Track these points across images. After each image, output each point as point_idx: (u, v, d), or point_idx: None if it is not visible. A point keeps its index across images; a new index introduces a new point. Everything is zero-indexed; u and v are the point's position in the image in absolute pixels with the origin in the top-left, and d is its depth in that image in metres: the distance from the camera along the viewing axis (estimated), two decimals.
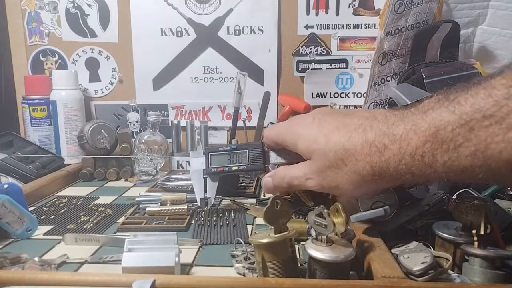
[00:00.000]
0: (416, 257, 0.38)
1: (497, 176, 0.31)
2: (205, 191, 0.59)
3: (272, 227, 0.38)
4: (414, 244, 0.42)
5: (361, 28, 0.93)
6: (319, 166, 0.42)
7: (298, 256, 0.45)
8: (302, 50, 0.95)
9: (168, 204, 0.61)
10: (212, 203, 0.58)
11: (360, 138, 0.38)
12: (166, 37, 0.96)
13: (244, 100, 0.85)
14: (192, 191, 0.70)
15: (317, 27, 0.94)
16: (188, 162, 0.88)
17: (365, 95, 0.92)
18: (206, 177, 0.58)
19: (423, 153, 0.33)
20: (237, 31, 0.95)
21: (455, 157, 0.31)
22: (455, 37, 0.81)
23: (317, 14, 0.93)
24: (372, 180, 0.38)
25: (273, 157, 0.53)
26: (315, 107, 0.93)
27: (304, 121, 0.45)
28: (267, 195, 0.71)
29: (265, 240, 0.36)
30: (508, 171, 0.30)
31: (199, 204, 0.57)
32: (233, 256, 0.46)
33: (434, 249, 0.43)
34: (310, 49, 0.95)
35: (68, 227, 0.56)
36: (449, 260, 0.39)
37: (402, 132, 0.35)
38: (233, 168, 0.54)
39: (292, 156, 0.49)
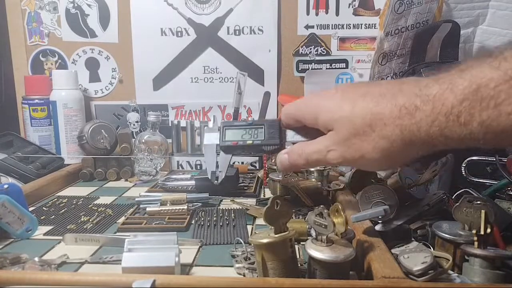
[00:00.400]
0: (416, 257, 0.38)
1: None
2: (217, 166, 0.56)
3: (272, 227, 0.38)
4: (414, 244, 0.42)
5: (361, 28, 0.93)
6: (344, 135, 0.39)
7: (298, 256, 0.45)
8: (302, 50, 0.95)
9: (168, 204, 0.61)
10: (223, 177, 0.56)
11: (389, 102, 0.36)
12: (166, 37, 0.96)
13: (244, 100, 0.85)
14: (192, 191, 0.70)
15: (317, 27, 0.94)
16: (188, 162, 0.88)
17: None
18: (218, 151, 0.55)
19: (459, 112, 0.31)
20: (237, 31, 0.95)
21: (495, 116, 0.30)
22: (455, 37, 0.81)
23: (317, 14, 0.93)
24: (402, 146, 0.35)
25: (290, 136, 0.49)
26: None
27: (326, 93, 0.43)
28: (267, 195, 0.71)
29: (265, 240, 0.36)
30: None
31: (209, 177, 0.55)
32: (233, 256, 0.46)
33: (434, 249, 0.43)
34: (310, 49, 0.95)
35: (68, 227, 0.56)
36: (449, 260, 0.39)
37: (437, 92, 0.33)
38: (248, 142, 0.51)
39: (311, 134, 0.45)
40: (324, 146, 0.41)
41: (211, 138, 0.56)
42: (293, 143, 0.48)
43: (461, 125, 0.31)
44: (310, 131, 0.46)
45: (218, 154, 0.54)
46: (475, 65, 0.31)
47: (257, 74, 0.97)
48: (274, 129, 0.49)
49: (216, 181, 0.55)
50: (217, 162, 0.55)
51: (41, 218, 0.59)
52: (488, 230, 0.38)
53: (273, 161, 0.78)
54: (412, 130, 0.34)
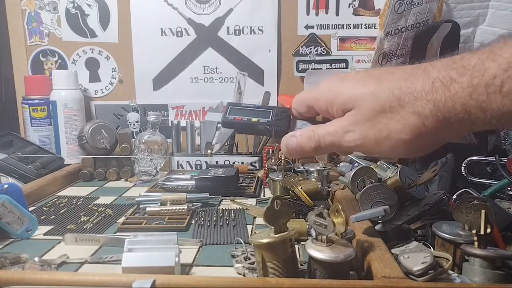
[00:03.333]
0: (416, 257, 0.38)
1: None
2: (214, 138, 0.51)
3: (272, 227, 0.38)
4: (414, 244, 0.42)
5: (361, 28, 0.93)
6: (366, 113, 0.34)
7: (298, 256, 0.45)
8: (302, 50, 0.95)
9: (168, 204, 0.61)
10: (218, 149, 0.51)
11: (419, 76, 0.32)
12: (166, 37, 0.96)
13: (244, 100, 0.85)
14: (192, 191, 0.70)
15: (317, 27, 0.94)
16: (188, 162, 0.88)
17: None
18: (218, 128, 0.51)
19: (502, 82, 0.28)
20: (237, 31, 0.95)
21: None
22: (455, 37, 0.81)
23: (317, 14, 0.93)
24: (435, 124, 0.31)
25: (300, 125, 0.45)
26: None
27: (345, 76, 0.38)
28: (267, 195, 0.71)
29: (265, 240, 0.36)
30: None
31: (203, 148, 0.51)
32: (233, 256, 0.46)
33: (434, 249, 0.43)
34: (310, 49, 0.95)
35: (68, 227, 0.56)
36: (449, 260, 0.39)
37: (476, 62, 0.29)
38: (253, 119, 0.46)
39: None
40: (340, 127, 0.36)
41: (213, 116, 0.52)
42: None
43: (504, 96, 0.28)
44: (321, 123, 0.41)
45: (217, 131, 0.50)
46: None
47: (257, 74, 0.97)
48: (283, 115, 0.46)
49: (209, 151, 0.51)
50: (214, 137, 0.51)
51: (41, 218, 0.59)
52: (488, 230, 0.38)
53: (273, 160, 0.78)
54: (447, 104, 0.30)
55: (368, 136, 0.35)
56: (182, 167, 0.88)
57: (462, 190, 0.55)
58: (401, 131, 0.33)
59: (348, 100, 0.36)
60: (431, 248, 0.43)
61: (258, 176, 0.80)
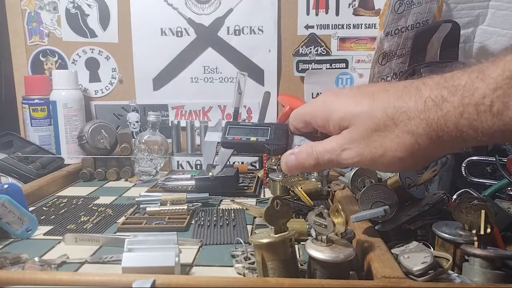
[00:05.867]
0: (416, 257, 0.38)
1: None
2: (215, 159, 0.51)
3: (272, 227, 0.38)
4: (414, 244, 0.42)
5: (361, 28, 0.93)
6: (362, 131, 0.35)
7: (298, 256, 0.45)
8: (302, 50, 0.95)
9: (168, 204, 0.61)
10: (220, 171, 0.51)
11: (412, 95, 0.33)
12: (166, 37, 0.96)
13: (244, 100, 0.85)
14: (192, 191, 0.70)
15: (317, 27, 0.94)
16: (188, 162, 0.88)
17: None
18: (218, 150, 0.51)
19: (491, 102, 0.29)
20: (237, 31, 0.95)
21: None
22: (455, 37, 0.81)
23: (317, 14, 0.93)
24: (428, 142, 0.33)
25: (297, 141, 0.46)
26: None
27: (339, 92, 0.39)
28: (267, 195, 0.71)
29: (265, 240, 0.36)
30: None
31: (204, 169, 0.51)
32: (233, 256, 0.46)
33: (434, 249, 0.43)
34: (310, 49, 0.95)
35: (68, 227, 0.56)
36: (449, 260, 0.39)
37: (466, 82, 0.30)
38: (252, 139, 0.47)
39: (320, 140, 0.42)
40: (338, 145, 0.37)
41: (213, 136, 0.51)
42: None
43: (493, 116, 0.29)
44: (319, 139, 0.42)
45: (217, 154, 0.51)
46: (506, 54, 0.29)
47: (257, 74, 0.97)
48: (281, 131, 0.47)
49: (211, 173, 0.51)
50: (215, 159, 0.50)
51: (41, 218, 0.59)
52: (488, 230, 0.38)
53: (273, 160, 0.78)
54: (440, 123, 0.31)
55: (364, 154, 0.36)
56: (182, 167, 0.88)
57: (462, 190, 0.55)
58: (396, 149, 0.34)
59: (343, 118, 0.37)
60: (431, 248, 0.43)
61: (258, 176, 0.80)
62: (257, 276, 0.39)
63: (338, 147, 0.37)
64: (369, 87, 0.38)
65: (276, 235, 0.37)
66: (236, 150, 0.51)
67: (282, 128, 0.47)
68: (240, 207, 0.63)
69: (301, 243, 0.50)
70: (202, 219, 0.58)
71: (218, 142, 0.50)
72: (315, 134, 0.44)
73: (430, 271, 0.36)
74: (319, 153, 0.39)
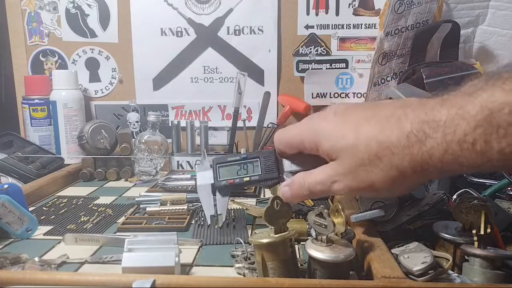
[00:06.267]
0: (416, 257, 0.38)
1: None
2: (215, 207, 0.51)
3: (272, 227, 0.38)
4: (414, 244, 0.42)
5: (361, 28, 0.93)
6: (348, 165, 0.36)
7: (298, 256, 0.45)
8: (302, 50, 0.95)
9: (168, 204, 0.61)
10: (224, 220, 0.51)
11: (394, 128, 0.33)
12: (166, 37, 0.96)
13: (244, 100, 0.85)
14: (192, 191, 0.70)
15: (317, 27, 0.94)
16: (188, 162, 0.88)
17: (365, 95, 0.92)
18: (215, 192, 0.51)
19: (474, 140, 0.29)
20: (237, 31, 0.95)
21: None
22: (455, 37, 0.81)
23: (317, 14, 0.93)
24: (413, 174, 0.33)
25: (287, 165, 0.46)
26: (315, 107, 0.94)
27: (325, 116, 0.40)
28: (267, 195, 0.71)
29: (265, 240, 0.36)
30: None
31: (209, 223, 0.51)
32: (233, 256, 0.46)
33: (434, 249, 0.43)
34: (310, 49, 0.95)
35: (68, 227, 0.56)
36: (449, 260, 0.39)
37: (446, 118, 0.30)
38: (245, 179, 0.48)
39: (310, 161, 0.42)
40: (328, 176, 0.38)
41: (204, 178, 0.51)
42: (292, 173, 0.45)
43: (477, 154, 0.29)
44: (308, 159, 0.43)
45: (215, 195, 0.50)
46: (484, 87, 0.29)
47: (257, 74, 0.97)
48: (270, 161, 0.47)
49: (217, 225, 0.52)
50: (215, 208, 0.51)
51: (41, 218, 0.59)
52: (488, 230, 0.38)
53: None
54: (424, 158, 0.32)
55: (353, 186, 0.37)
56: (182, 167, 0.88)
57: (462, 190, 0.55)
58: (382, 181, 0.35)
59: (330, 150, 0.38)
60: (431, 248, 0.43)
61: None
62: (257, 276, 0.39)
63: (328, 178, 0.38)
64: (352, 114, 0.38)
65: (276, 235, 0.37)
66: (232, 190, 0.51)
67: (271, 157, 0.47)
68: (240, 207, 0.63)
69: (301, 243, 0.50)
70: (202, 219, 0.58)
71: (212, 184, 0.50)
72: (302, 154, 0.43)
73: (430, 271, 0.36)
74: (311, 184, 0.40)
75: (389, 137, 0.33)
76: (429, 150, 0.31)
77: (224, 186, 0.49)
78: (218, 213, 0.50)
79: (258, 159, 0.47)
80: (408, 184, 0.35)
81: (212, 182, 0.50)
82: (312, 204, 0.61)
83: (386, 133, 0.34)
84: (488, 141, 0.29)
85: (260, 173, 0.47)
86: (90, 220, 0.58)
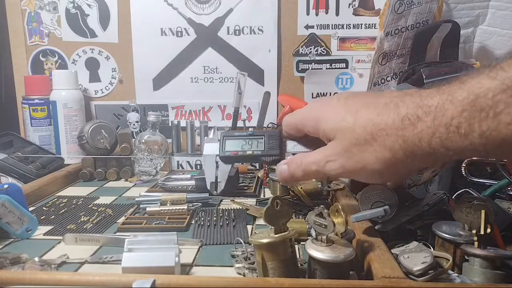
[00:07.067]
0: (416, 257, 0.38)
1: None
2: (216, 178, 0.54)
3: (272, 227, 0.38)
4: (414, 244, 0.42)
5: (361, 28, 0.93)
6: (345, 145, 0.38)
7: (298, 256, 0.45)
8: (302, 50, 0.95)
9: (168, 204, 0.61)
10: (223, 188, 0.54)
11: (391, 112, 0.36)
12: (166, 37, 0.96)
13: (244, 100, 0.85)
14: (192, 191, 0.70)
15: (317, 27, 0.94)
16: (188, 162, 0.88)
17: None
18: (218, 162, 0.54)
19: (459, 123, 0.31)
20: (237, 31, 0.95)
21: (494, 126, 0.29)
22: (455, 37, 0.81)
23: (317, 14, 0.93)
24: (404, 157, 0.35)
25: (290, 146, 0.49)
26: None
27: (328, 102, 0.42)
28: (267, 195, 0.71)
29: (265, 240, 0.36)
30: None
31: (208, 188, 0.54)
32: (233, 256, 0.46)
33: (434, 249, 0.43)
34: (310, 49, 0.95)
35: (68, 227, 0.56)
36: (449, 260, 0.39)
37: (438, 103, 0.33)
38: (248, 152, 0.50)
39: (312, 145, 0.46)
40: (323, 156, 0.40)
41: (211, 149, 0.54)
42: (293, 154, 0.47)
43: (461, 136, 0.31)
44: (311, 142, 0.45)
45: (217, 167, 0.53)
46: (474, 76, 0.31)
47: (257, 74, 0.97)
48: (274, 139, 0.49)
49: (215, 192, 0.55)
50: (216, 176, 0.54)
51: (41, 218, 0.59)
52: (488, 230, 0.38)
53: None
54: (414, 141, 0.34)
55: (346, 166, 0.39)
56: (182, 167, 0.88)
57: (462, 190, 0.55)
58: (374, 162, 0.37)
59: (330, 131, 0.40)
60: (431, 248, 0.43)
61: (258, 176, 0.80)
62: (257, 276, 0.39)
63: (324, 158, 0.40)
64: (354, 100, 0.40)
65: (276, 235, 0.37)
66: (234, 162, 0.54)
67: (275, 136, 0.49)
68: (240, 207, 0.63)
69: (301, 243, 0.50)
70: (202, 219, 0.58)
71: (217, 155, 0.53)
72: (307, 138, 0.46)
73: (430, 271, 0.36)
74: (306, 164, 0.42)
75: (385, 120, 0.36)
76: (419, 133, 0.33)
77: (228, 156, 0.52)
78: (218, 180, 0.54)
79: (263, 137, 0.50)
80: (399, 169, 0.37)
81: (217, 153, 0.53)
82: (312, 204, 0.61)
83: (382, 117, 0.36)
84: (471, 124, 0.30)
85: (263, 149, 0.50)
86: (90, 220, 0.58)
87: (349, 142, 0.38)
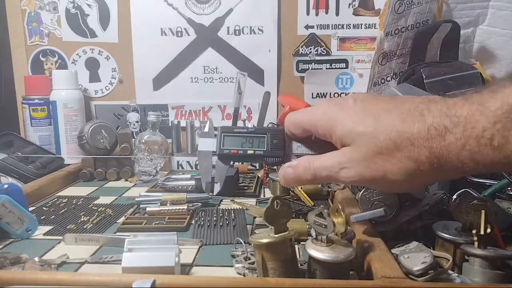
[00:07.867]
0: (416, 257, 0.38)
1: None
2: (212, 178, 0.49)
3: (272, 227, 0.38)
4: (414, 244, 0.42)
5: (361, 28, 0.93)
6: (364, 152, 0.35)
7: (298, 256, 0.45)
8: (302, 50, 0.95)
9: (168, 204, 0.61)
10: (219, 189, 0.49)
11: (416, 120, 0.33)
12: (166, 37, 0.96)
13: (244, 100, 0.85)
14: (192, 191, 0.70)
15: (317, 27, 0.94)
16: (188, 162, 0.88)
17: None
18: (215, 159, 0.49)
19: (491, 135, 0.29)
20: (237, 31, 0.95)
21: None
22: (455, 37, 0.81)
23: (317, 14, 0.93)
24: (429, 169, 0.33)
25: (295, 147, 0.45)
26: None
27: (343, 103, 0.38)
28: (267, 195, 0.71)
29: (265, 240, 0.36)
30: None
31: (203, 189, 0.49)
32: (233, 256, 0.46)
33: (434, 249, 0.43)
34: (310, 49, 0.95)
35: (68, 227, 0.56)
36: (449, 260, 0.39)
37: (467, 114, 0.30)
38: (249, 152, 0.46)
39: (317, 147, 0.42)
40: (337, 163, 0.37)
41: (206, 144, 0.49)
42: (297, 156, 0.44)
43: (494, 149, 0.29)
44: (316, 144, 0.42)
45: (213, 166, 0.48)
46: (506, 85, 0.30)
47: (257, 74, 0.97)
48: (278, 139, 0.45)
49: (211, 193, 0.50)
50: (212, 175, 0.49)
51: (41, 218, 0.59)
52: (488, 230, 0.38)
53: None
54: (442, 153, 0.32)
55: (364, 175, 0.36)
56: (182, 167, 0.88)
57: (462, 190, 0.55)
58: (397, 173, 0.34)
59: (347, 135, 0.37)
60: (431, 248, 0.43)
61: (258, 176, 0.80)
62: (257, 276, 0.39)
63: (338, 164, 0.37)
64: (372, 103, 0.37)
65: (276, 235, 0.37)
66: (233, 161, 0.49)
67: (279, 135, 0.46)
68: (240, 207, 0.63)
69: (301, 243, 0.50)
70: (202, 219, 0.58)
71: (213, 152, 0.48)
72: (311, 139, 0.44)
73: (430, 271, 0.36)
74: (317, 168, 0.39)
75: (410, 128, 0.33)
76: (447, 145, 0.31)
77: (226, 155, 0.47)
78: (215, 181, 0.49)
79: (266, 135, 0.46)
80: (422, 180, 0.35)
81: (214, 150, 0.48)
82: (312, 204, 0.61)
83: (407, 124, 0.33)
84: (505, 136, 0.29)
85: (265, 149, 0.46)
86: (90, 220, 0.58)
87: (370, 150, 0.35)
